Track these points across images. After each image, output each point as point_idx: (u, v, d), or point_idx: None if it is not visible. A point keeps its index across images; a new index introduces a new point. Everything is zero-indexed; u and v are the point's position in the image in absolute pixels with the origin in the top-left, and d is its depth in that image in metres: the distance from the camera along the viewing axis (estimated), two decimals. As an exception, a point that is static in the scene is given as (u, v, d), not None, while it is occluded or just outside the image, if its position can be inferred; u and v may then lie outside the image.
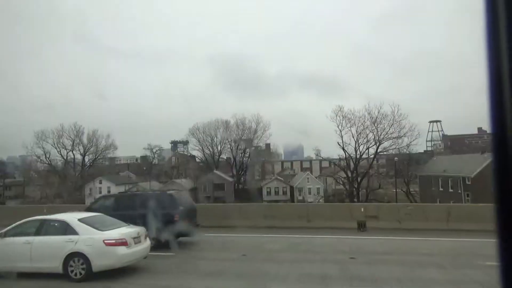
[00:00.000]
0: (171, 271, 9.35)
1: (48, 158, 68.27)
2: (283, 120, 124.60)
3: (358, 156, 48.50)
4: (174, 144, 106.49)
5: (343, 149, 48.17)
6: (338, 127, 48.07)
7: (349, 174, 49.81)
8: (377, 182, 50.72)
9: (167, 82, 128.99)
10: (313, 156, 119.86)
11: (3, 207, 23.50)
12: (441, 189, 48.33)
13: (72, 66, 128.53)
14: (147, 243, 9.44)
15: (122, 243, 8.47)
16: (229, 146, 74.46)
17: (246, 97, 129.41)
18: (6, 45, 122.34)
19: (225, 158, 76.62)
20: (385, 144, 48.30)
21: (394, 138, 47.40)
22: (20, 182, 77.58)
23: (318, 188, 65.44)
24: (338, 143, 47.94)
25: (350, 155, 48.67)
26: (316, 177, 70.84)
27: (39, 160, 68.22)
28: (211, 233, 14.43)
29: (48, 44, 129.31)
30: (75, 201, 52.27)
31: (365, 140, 48.13)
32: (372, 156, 50.88)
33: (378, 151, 48.77)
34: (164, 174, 79.75)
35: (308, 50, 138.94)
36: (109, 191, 64.02)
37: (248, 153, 73.95)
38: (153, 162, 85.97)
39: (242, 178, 75.16)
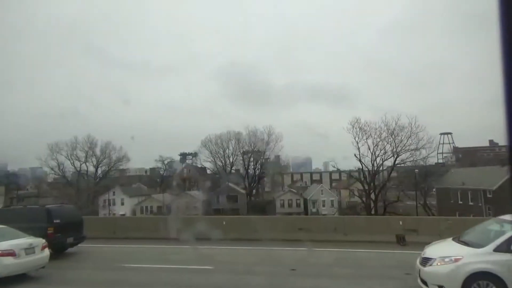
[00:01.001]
0: (219, 285, 9.04)
1: (62, 170, 68.46)
2: (291, 131, 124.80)
3: (375, 168, 47.95)
4: (183, 156, 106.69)
5: (360, 161, 47.79)
6: (354, 138, 47.79)
7: (366, 187, 49.23)
8: (394, 195, 50.01)
9: (175, 94, 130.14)
10: (322, 168, 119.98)
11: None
12: (460, 202, 47.45)
13: (84, 78, 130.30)
14: (43, 254, 9.89)
15: (9, 253, 8.96)
16: (241, 158, 74.38)
17: (254, 109, 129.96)
18: (18, 59, 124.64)
19: (235, 170, 76.45)
20: (403, 156, 47.84)
21: (412, 150, 46.95)
22: (33, 194, 77.77)
23: (332, 201, 64.73)
24: (355, 155, 47.60)
25: (367, 167, 48.18)
26: (329, 189, 70.13)
27: (53, 172, 68.40)
28: (243, 246, 14.13)
29: (60, 58, 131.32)
30: (89, 213, 52.25)
31: (382, 152, 47.71)
32: (389, 168, 50.36)
33: (396, 163, 48.19)
34: (176, 186, 79.63)
35: (316, 61, 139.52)
36: (122, 203, 64.06)
37: (259, 165, 73.70)
38: (164, 174, 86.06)
39: (254, 190, 74.74)
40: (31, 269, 9.66)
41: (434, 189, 54.69)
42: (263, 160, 73.84)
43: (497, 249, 6.52)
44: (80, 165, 67.36)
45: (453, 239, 7.86)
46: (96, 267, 11.26)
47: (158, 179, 75.54)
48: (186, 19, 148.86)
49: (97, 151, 68.47)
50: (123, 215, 57.34)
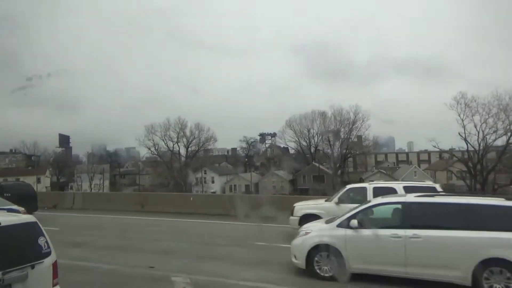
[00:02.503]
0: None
1: (157, 150, 73.33)
2: (373, 109, 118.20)
3: (483, 148, 43.40)
4: (263, 136, 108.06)
5: (465, 140, 43.57)
6: (459, 115, 43.68)
7: (467, 169, 44.86)
8: (502, 178, 44.98)
9: (252, 74, 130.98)
10: (405, 148, 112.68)
11: (156, 195, 25.11)
12: None
13: (165, 62, 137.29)
14: None
15: None
16: (326, 137, 72.95)
17: (334, 86, 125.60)
18: (108, 46, 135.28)
19: (321, 150, 75.29)
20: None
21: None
22: (132, 171, 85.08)
23: (427, 183, 60.40)
24: (459, 133, 43.58)
25: (473, 147, 43.83)
26: (423, 170, 65.65)
27: (150, 151, 73.57)
28: None
29: (143, 42, 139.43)
30: (184, 190, 55.74)
31: (491, 130, 42.94)
32: (495, 147, 45.24)
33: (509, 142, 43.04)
34: (261, 166, 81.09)
35: (403, 33, 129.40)
36: (213, 181, 67.13)
37: (345, 145, 71.59)
38: (248, 154, 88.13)
39: (339, 171, 73.04)
40: None
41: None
42: (346, 140, 71.66)
43: (340, 225, 7.48)
44: (173, 145, 71.60)
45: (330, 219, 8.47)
46: (233, 244, 11.36)
47: (245, 159, 77.40)
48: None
49: (187, 132, 72.11)
50: (214, 192, 60.06)
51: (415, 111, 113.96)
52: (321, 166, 65.87)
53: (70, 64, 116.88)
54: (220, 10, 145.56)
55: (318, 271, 7.38)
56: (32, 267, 4.31)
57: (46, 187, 66.66)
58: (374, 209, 7.66)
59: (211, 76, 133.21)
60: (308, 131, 71.76)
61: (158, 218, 16.08)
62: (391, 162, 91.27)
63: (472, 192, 43.55)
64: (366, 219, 7.35)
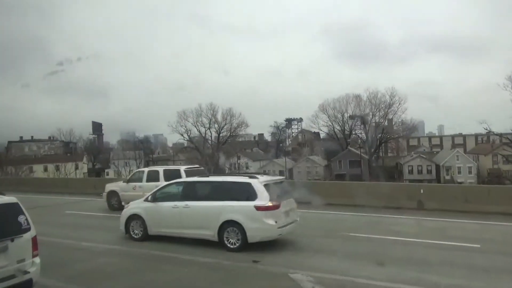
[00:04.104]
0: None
1: (189, 136, 73.31)
2: (404, 91, 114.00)
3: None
4: (289, 121, 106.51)
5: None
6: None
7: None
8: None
9: (281, 58, 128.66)
10: (435, 132, 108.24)
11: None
12: None
13: (193, 46, 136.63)
14: None
15: None
16: (360, 121, 70.91)
17: (366, 69, 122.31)
18: (137, 32, 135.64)
19: (355, 134, 73.40)
20: None
21: None
22: (164, 157, 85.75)
23: (470, 168, 57.95)
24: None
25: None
26: (465, 154, 62.89)
27: (182, 137, 73.60)
28: (459, 219, 12.12)
29: (172, 27, 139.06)
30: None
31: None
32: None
33: None
34: (292, 151, 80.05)
35: (439, 9, 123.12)
36: (247, 167, 66.67)
37: (381, 129, 69.36)
38: (279, 139, 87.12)
39: (374, 156, 71.04)
40: None
41: None
42: (380, 124, 69.40)
43: (145, 200, 9.80)
44: (205, 131, 71.31)
45: None
46: (323, 235, 10.48)
47: (280, 144, 76.50)
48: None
49: (219, 118, 71.49)
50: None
51: (447, 93, 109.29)
52: (357, 151, 64.14)
53: (99, 51, 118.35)
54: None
55: (132, 234, 9.77)
56: (12, 240, 4.97)
57: (84, 173, 68.05)
58: (168, 187, 9.98)
59: (239, 61, 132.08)
60: (342, 115, 69.92)
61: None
62: (424, 146, 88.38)
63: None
64: (162, 195, 9.68)
